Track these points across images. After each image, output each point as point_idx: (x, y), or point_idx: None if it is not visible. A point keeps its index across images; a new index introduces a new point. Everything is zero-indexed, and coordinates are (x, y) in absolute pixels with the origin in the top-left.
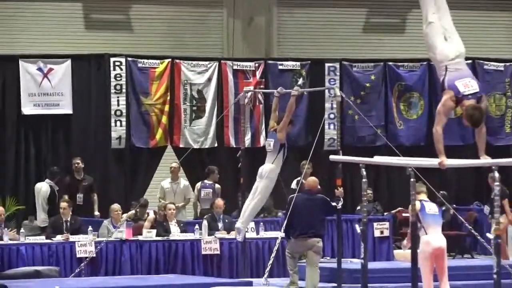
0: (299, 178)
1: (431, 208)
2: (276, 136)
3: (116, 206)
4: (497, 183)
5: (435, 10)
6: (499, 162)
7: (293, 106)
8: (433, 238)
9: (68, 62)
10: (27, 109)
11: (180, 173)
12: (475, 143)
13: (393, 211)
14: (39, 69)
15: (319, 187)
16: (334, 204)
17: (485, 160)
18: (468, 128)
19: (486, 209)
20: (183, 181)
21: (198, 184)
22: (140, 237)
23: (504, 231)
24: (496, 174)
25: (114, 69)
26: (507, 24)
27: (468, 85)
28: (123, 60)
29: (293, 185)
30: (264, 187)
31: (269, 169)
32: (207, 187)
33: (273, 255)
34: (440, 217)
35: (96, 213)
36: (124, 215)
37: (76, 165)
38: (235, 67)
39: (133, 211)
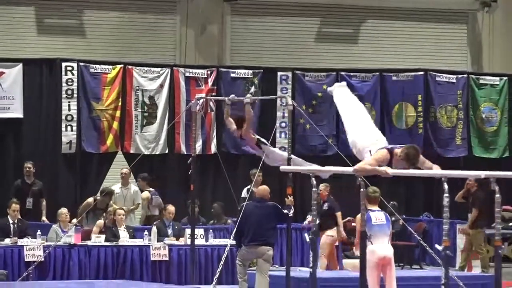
0: (249, 186)
1: (378, 217)
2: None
3: (64, 210)
4: (446, 195)
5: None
6: (448, 174)
7: (250, 113)
8: (379, 247)
9: (20, 66)
10: None
11: (130, 179)
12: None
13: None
14: None
15: (269, 195)
16: (285, 211)
17: (431, 171)
18: (419, 139)
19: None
20: (133, 187)
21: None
22: (88, 242)
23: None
24: (446, 186)
25: (66, 74)
26: (459, 37)
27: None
28: (75, 65)
29: (244, 193)
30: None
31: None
32: (157, 194)
33: (222, 262)
34: (389, 227)
35: (44, 218)
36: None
37: (28, 169)
38: (187, 74)
39: (91, 199)
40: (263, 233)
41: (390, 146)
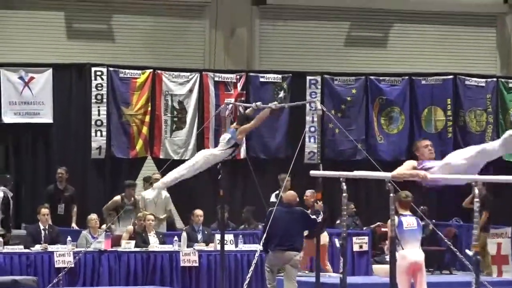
0: (278, 191)
1: (410, 223)
2: (235, 134)
3: (93, 216)
4: (477, 199)
5: None
6: (482, 178)
7: (264, 116)
8: (410, 252)
9: (50, 71)
10: (8, 117)
11: None
12: None
13: (372, 226)
14: (21, 77)
15: (297, 200)
16: (313, 217)
17: (465, 176)
18: (449, 144)
19: None
20: (164, 192)
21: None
22: (118, 248)
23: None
24: (476, 191)
25: (95, 79)
26: (488, 40)
27: None
28: (104, 70)
29: (272, 198)
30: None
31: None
32: None
33: (251, 268)
34: (420, 232)
35: (74, 225)
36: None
37: (60, 175)
38: (216, 79)
39: (118, 197)
40: (290, 238)
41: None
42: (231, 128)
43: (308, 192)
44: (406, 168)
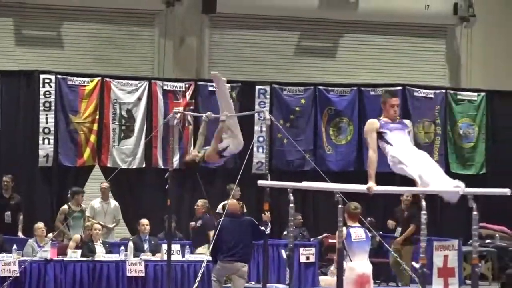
0: (225, 202)
1: (358, 234)
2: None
3: (40, 225)
4: (424, 212)
5: None
6: (426, 190)
7: (220, 134)
8: (358, 264)
9: None
10: None
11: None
12: None
13: (319, 237)
14: None
15: (243, 209)
16: (262, 228)
17: (411, 188)
18: None
19: (397, 231)
20: (113, 201)
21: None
22: (64, 257)
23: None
24: (423, 203)
25: (44, 86)
26: (438, 51)
27: None
28: (53, 77)
29: (219, 208)
30: None
31: None
32: None
33: (198, 278)
34: (368, 243)
35: (20, 233)
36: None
37: (6, 183)
38: (165, 88)
39: (65, 206)
40: (239, 249)
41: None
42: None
43: (200, 202)
44: (367, 132)
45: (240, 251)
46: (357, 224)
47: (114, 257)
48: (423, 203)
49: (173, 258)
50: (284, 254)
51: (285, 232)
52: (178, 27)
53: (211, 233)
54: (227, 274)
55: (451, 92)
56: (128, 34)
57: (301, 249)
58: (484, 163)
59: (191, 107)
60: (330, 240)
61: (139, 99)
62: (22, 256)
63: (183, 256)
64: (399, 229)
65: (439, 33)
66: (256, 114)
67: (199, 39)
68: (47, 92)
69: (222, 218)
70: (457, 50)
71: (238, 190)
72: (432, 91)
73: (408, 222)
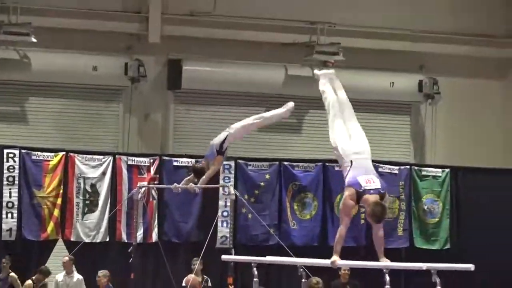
0: (189, 276)
1: None
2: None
3: None
4: (387, 286)
5: (339, 115)
6: (390, 265)
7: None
8: None
9: None
10: None
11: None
12: (366, 245)
13: None
14: None
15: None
16: None
17: (375, 262)
18: (361, 230)
19: None
20: (77, 275)
21: None
22: None
23: None
24: (387, 278)
25: (8, 161)
26: (403, 128)
27: (370, 181)
28: (17, 152)
29: (184, 283)
30: None
31: None
32: None
33: None
34: None
35: None
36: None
37: None
38: (129, 162)
39: (29, 281)
40: None
41: (362, 187)
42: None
43: (100, 273)
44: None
45: None
46: None
47: None
48: (387, 277)
49: None
50: None
51: None
52: (143, 102)
53: None
54: None
55: (416, 168)
56: (93, 109)
57: None
58: (448, 238)
59: (156, 182)
60: None
61: (104, 173)
62: None
63: None
64: None
65: (404, 110)
66: (220, 189)
67: (164, 115)
68: (11, 167)
69: None
70: (422, 126)
71: (201, 265)
72: (397, 167)
73: None
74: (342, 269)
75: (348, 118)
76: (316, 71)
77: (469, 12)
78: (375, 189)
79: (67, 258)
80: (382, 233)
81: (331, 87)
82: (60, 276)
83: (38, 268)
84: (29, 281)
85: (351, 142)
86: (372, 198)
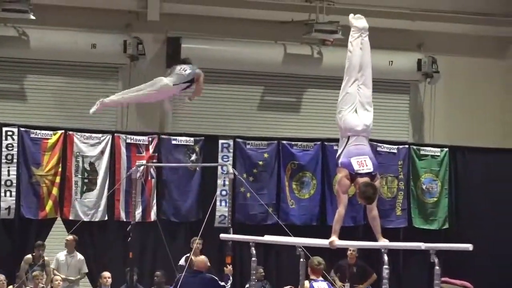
0: (188, 255)
1: None
2: (194, 69)
3: (1, 277)
4: (386, 266)
5: (358, 77)
6: (388, 245)
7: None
8: None
9: None
10: None
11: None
12: (365, 224)
13: None
14: None
15: (209, 265)
16: (223, 284)
17: (373, 242)
18: (359, 210)
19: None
20: (79, 255)
21: None
22: None
23: None
24: (386, 258)
25: (6, 139)
26: (401, 107)
27: (363, 163)
28: (15, 130)
29: (182, 261)
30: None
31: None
32: None
33: None
34: None
35: None
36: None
37: None
38: (128, 141)
39: (30, 256)
40: None
41: (355, 170)
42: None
43: (69, 237)
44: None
45: None
46: (320, 278)
47: None
48: (385, 257)
49: None
50: None
51: (247, 286)
52: (141, 80)
53: None
54: None
55: (414, 147)
56: (92, 87)
57: None
58: (446, 218)
59: (154, 160)
60: None
61: (102, 152)
62: None
63: None
64: (347, 285)
65: (403, 89)
66: (219, 168)
67: None
68: (9, 145)
69: (181, 274)
70: (420, 106)
71: (200, 244)
72: (395, 146)
73: (358, 278)
74: (351, 250)
75: (364, 83)
76: (351, 17)
77: None
78: (367, 172)
79: (71, 237)
80: (376, 213)
81: (359, 46)
82: (61, 255)
83: (35, 244)
84: (28, 255)
85: (355, 116)
86: (363, 179)
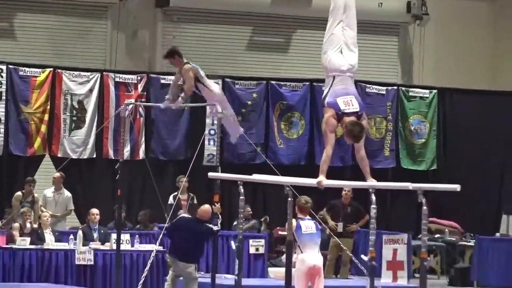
0: (176, 193)
1: (308, 226)
2: None
3: None
4: (373, 206)
5: (343, 18)
6: (376, 185)
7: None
8: (309, 256)
9: None
10: None
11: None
12: (353, 164)
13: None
14: None
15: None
16: (210, 225)
17: (360, 182)
18: (348, 150)
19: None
20: (66, 192)
21: None
22: (13, 245)
23: None
24: (373, 197)
25: None
26: (390, 49)
27: (349, 103)
28: (4, 67)
29: (170, 200)
30: None
31: None
32: None
33: (147, 268)
34: (319, 236)
35: None
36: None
37: None
38: (117, 79)
39: (19, 193)
40: (185, 250)
41: (341, 110)
42: None
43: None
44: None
45: (186, 253)
46: (307, 217)
47: (63, 245)
48: (373, 197)
49: (122, 247)
50: (233, 245)
51: (235, 223)
52: (131, 20)
53: None
54: (177, 271)
55: (403, 89)
56: (81, 26)
57: (250, 241)
58: (435, 159)
59: (143, 99)
60: (280, 232)
61: (91, 90)
62: None
63: (132, 245)
64: (340, 225)
65: (392, 30)
66: (207, 107)
67: (151, 32)
68: None
69: (181, 216)
70: (409, 47)
71: (187, 182)
72: (384, 88)
73: (351, 218)
74: (345, 190)
75: (348, 24)
76: None
77: None
78: (354, 111)
79: (58, 174)
80: (364, 153)
81: None
82: (48, 192)
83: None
84: (18, 193)
85: (340, 56)
86: (350, 119)
